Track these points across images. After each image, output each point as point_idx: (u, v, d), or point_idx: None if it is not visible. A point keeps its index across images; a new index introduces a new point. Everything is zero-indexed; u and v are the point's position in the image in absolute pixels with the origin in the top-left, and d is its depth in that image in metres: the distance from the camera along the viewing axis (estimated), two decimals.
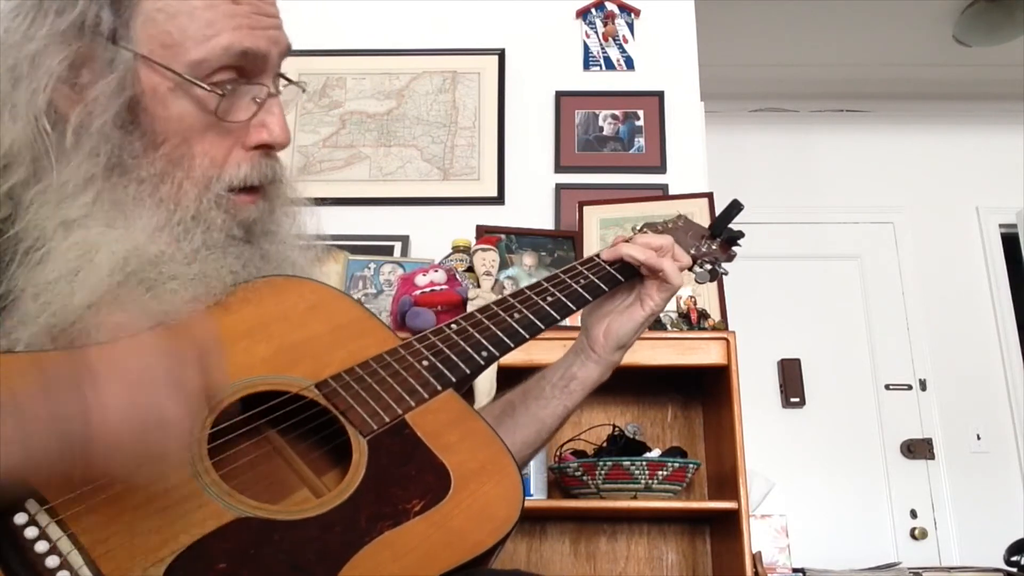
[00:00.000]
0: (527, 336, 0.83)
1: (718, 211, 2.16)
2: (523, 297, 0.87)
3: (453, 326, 0.80)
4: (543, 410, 0.95)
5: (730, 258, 1.07)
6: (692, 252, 0.99)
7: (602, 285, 0.91)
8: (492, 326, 0.81)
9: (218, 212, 0.73)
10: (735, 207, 1.04)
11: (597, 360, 0.96)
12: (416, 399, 0.71)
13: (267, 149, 0.76)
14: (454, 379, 0.75)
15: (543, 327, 0.85)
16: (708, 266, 1.03)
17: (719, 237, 1.06)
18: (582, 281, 0.90)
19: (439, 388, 0.73)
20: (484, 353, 0.78)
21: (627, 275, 0.94)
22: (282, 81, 0.78)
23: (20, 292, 0.66)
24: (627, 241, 0.95)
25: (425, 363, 0.75)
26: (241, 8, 0.71)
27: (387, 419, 0.68)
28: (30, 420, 0.51)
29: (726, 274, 1.06)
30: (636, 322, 0.95)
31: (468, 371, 0.76)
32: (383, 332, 0.78)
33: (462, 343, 0.78)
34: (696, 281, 1.03)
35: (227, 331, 0.70)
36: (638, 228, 1.01)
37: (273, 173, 0.78)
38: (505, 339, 0.81)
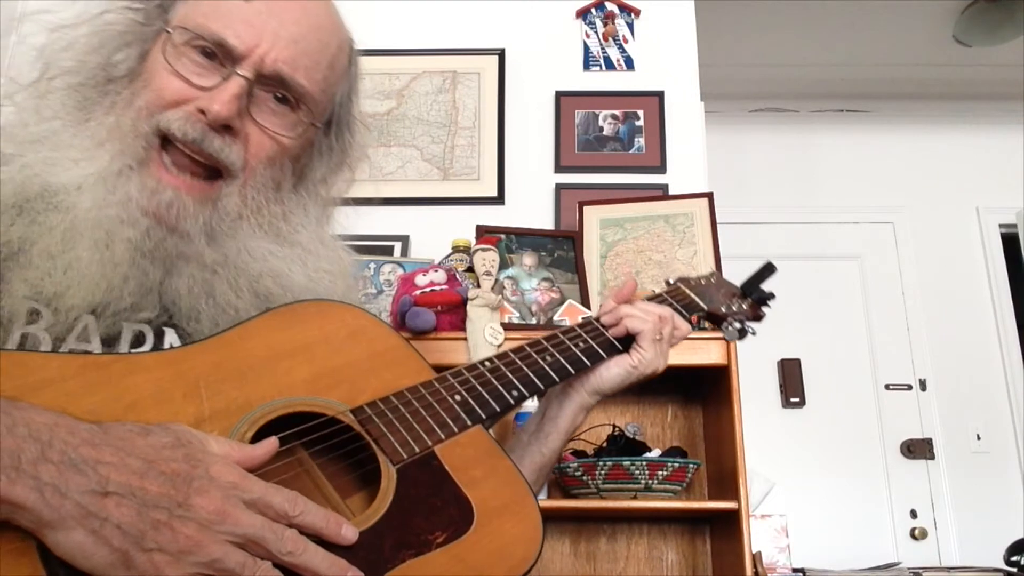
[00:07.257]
0: (557, 380, 0.86)
1: (718, 211, 2.17)
2: (556, 341, 0.90)
3: (487, 363, 0.83)
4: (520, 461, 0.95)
5: (758, 318, 1.09)
6: (723, 310, 1.03)
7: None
8: (525, 367, 0.84)
9: (147, 135, 0.77)
10: (768, 269, 1.08)
11: (571, 399, 0.94)
12: (446, 432, 0.73)
13: (202, 115, 0.77)
14: (484, 416, 0.77)
15: (573, 372, 0.88)
16: (737, 324, 1.06)
17: (750, 296, 1.09)
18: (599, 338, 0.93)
19: (469, 423, 0.75)
20: (515, 392, 0.81)
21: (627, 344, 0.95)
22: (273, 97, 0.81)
23: (30, 246, 0.70)
24: (631, 303, 0.96)
25: (457, 398, 0.77)
26: (251, 7, 0.78)
27: (417, 450, 0.70)
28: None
29: (754, 334, 1.08)
30: (623, 368, 0.93)
31: (498, 408, 0.79)
32: (418, 362, 0.80)
33: (494, 381, 0.81)
34: (725, 339, 1.06)
35: (273, 349, 0.72)
36: (671, 281, 1.04)
37: (211, 145, 0.77)
38: (536, 380, 0.84)
